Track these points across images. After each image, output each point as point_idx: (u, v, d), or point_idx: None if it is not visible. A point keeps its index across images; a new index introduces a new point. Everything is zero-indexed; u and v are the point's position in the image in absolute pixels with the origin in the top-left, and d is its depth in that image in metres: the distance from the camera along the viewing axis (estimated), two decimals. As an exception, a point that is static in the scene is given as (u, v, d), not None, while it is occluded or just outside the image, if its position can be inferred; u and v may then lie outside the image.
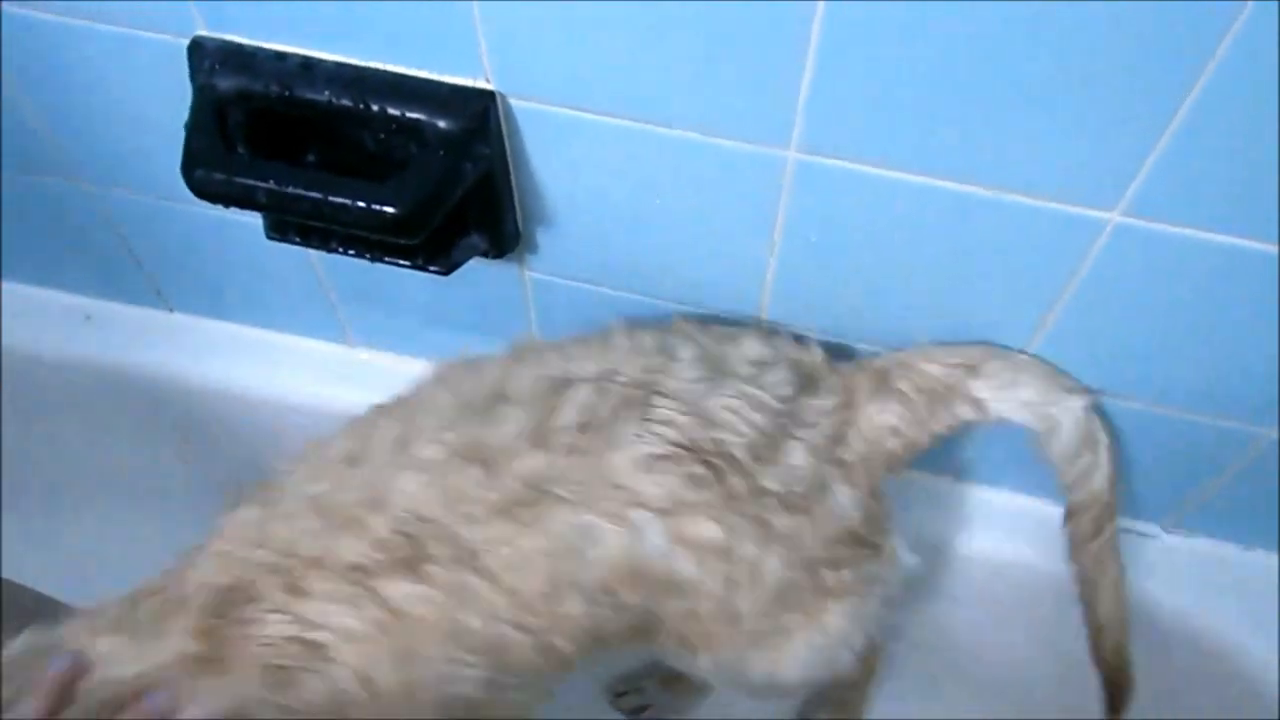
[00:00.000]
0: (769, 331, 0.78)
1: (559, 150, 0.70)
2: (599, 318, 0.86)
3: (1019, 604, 1.00)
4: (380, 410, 0.71)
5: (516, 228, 0.77)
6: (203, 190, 0.65)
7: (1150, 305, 0.68)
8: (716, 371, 0.71)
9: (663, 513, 0.65)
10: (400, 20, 0.63)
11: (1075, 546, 0.81)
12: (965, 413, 0.76)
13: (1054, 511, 0.80)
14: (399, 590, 0.61)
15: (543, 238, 0.79)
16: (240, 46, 0.66)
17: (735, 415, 0.68)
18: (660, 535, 0.65)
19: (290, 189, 0.64)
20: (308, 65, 0.66)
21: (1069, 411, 0.75)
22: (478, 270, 0.85)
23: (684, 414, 0.67)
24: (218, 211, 0.84)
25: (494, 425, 0.66)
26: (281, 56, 0.67)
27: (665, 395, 0.68)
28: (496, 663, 0.64)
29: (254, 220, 0.76)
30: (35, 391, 1.06)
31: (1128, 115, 0.56)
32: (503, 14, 0.61)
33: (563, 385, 0.68)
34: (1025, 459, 0.79)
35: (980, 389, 0.76)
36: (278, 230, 0.74)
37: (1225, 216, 0.61)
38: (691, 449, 0.66)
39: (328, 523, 0.63)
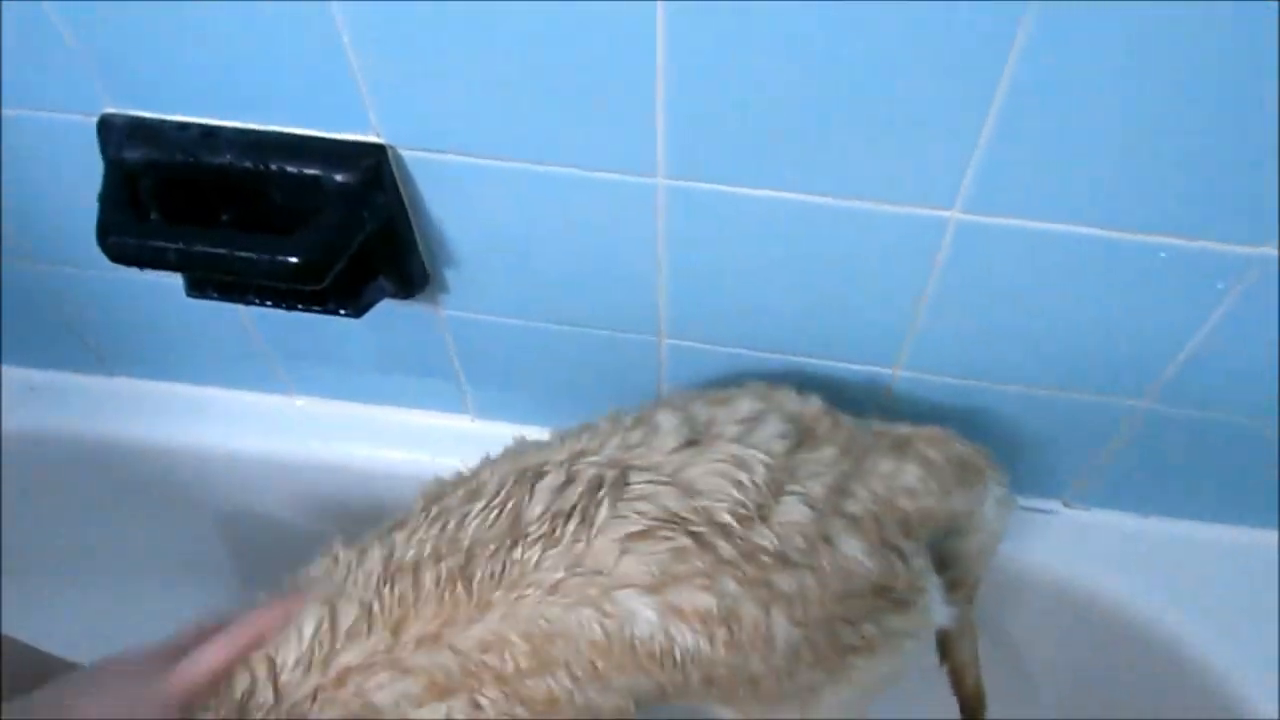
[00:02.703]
0: (769, 386, 0.78)
1: (452, 194, 0.76)
2: (515, 348, 0.92)
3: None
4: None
5: (424, 269, 0.82)
6: (117, 255, 0.70)
7: (1004, 294, 0.74)
8: (702, 437, 0.70)
9: (649, 590, 0.64)
10: (292, 86, 0.69)
11: None
12: (972, 501, 0.78)
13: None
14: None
15: (451, 277, 0.84)
16: (145, 120, 0.72)
17: (721, 479, 0.66)
18: (651, 611, 0.64)
19: (198, 248, 0.69)
20: (209, 133, 0.72)
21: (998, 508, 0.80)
22: (397, 314, 0.90)
23: (663, 485, 0.66)
24: (145, 276, 0.89)
25: (466, 525, 0.66)
26: (184, 127, 0.72)
27: (643, 469, 0.67)
28: None
29: (177, 281, 0.81)
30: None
31: (945, 117, 0.62)
32: (383, 73, 0.66)
33: (535, 476, 0.68)
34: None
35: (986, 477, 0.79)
36: (196, 288, 0.79)
37: (1051, 206, 0.66)
38: (673, 521, 0.65)
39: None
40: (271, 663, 0.64)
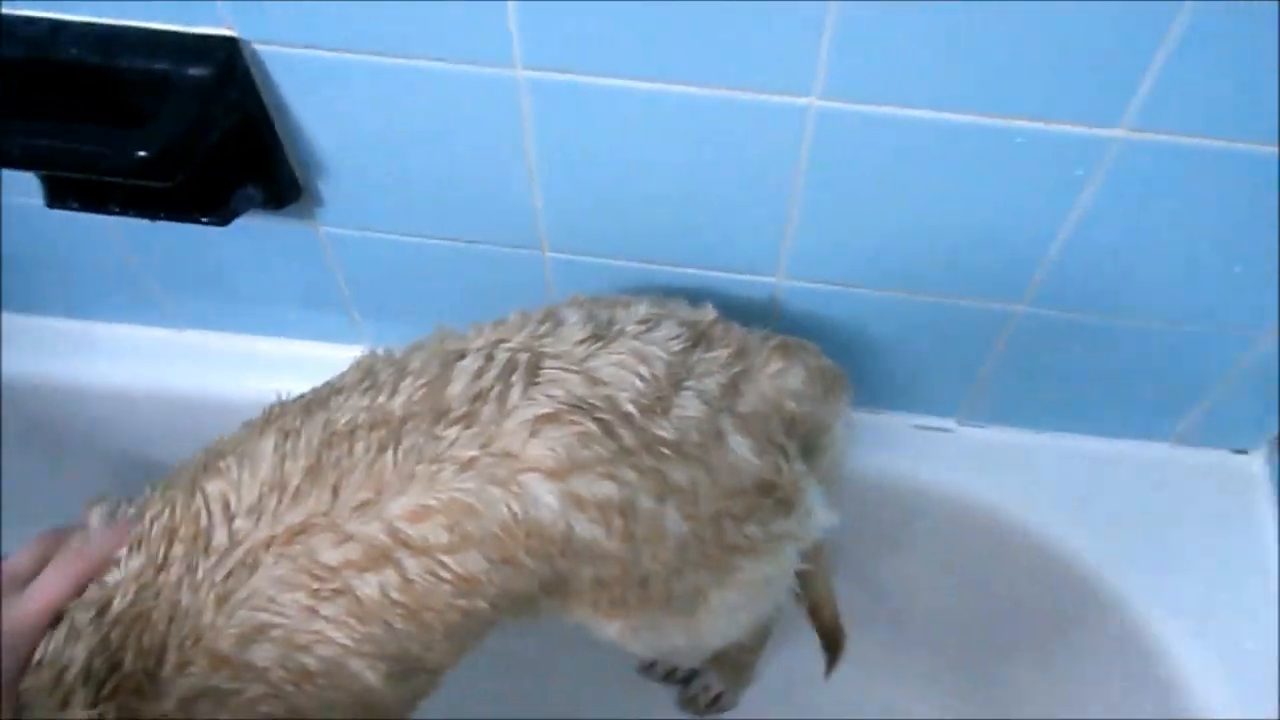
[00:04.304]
0: (663, 297, 0.80)
1: (314, 93, 0.74)
2: (399, 267, 0.91)
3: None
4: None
5: (294, 178, 0.80)
6: (-43, 151, 0.68)
7: (872, 188, 0.74)
8: (605, 332, 0.72)
9: (553, 474, 0.65)
10: (138, -24, 0.67)
11: None
12: (832, 415, 0.81)
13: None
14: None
15: (325, 189, 0.83)
16: (-12, 14, 0.70)
17: (624, 370, 0.68)
18: (553, 497, 0.65)
19: (43, 141, 0.68)
20: (57, 27, 0.70)
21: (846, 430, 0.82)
22: (277, 235, 0.89)
23: (572, 372, 0.68)
24: (10, 197, 0.87)
25: (396, 396, 0.67)
26: (31, 21, 0.70)
27: (553, 356, 0.69)
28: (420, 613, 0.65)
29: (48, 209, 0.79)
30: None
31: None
32: (226, -42, 0.65)
33: (455, 355, 0.69)
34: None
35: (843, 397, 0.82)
36: (56, 197, 0.77)
37: (906, 90, 0.66)
38: (580, 406, 0.66)
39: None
40: (225, 507, 0.63)
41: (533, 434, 0.65)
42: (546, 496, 0.65)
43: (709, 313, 0.77)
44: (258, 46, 0.71)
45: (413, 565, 0.64)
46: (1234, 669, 0.86)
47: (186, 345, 1.04)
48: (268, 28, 0.69)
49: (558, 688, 1.18)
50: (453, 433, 0.65)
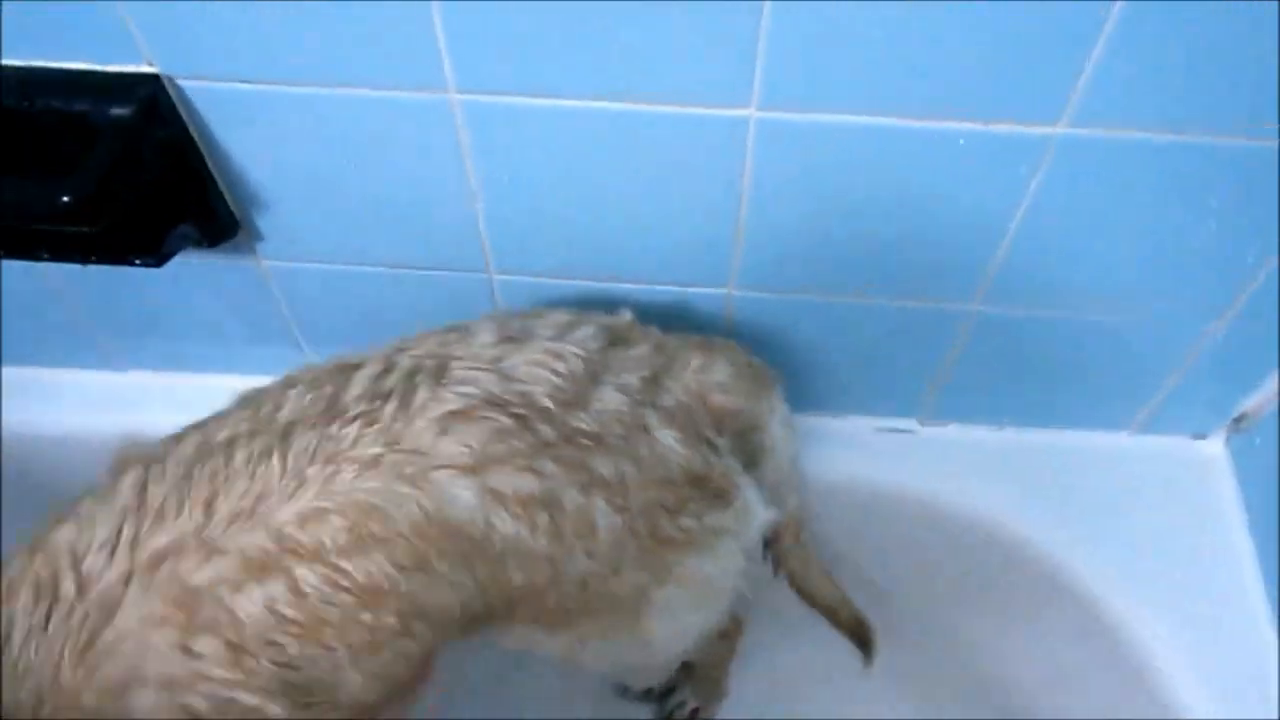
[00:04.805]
0: (579, 307, 0.79)
1: (245, 126, 0.72)
2: (345, 297, 0.89)
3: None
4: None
5: (230, 213, 0.78)
6: None
7: (819, 195, 0.73)
8: (519, 337, 0.70)
9: (468, 470, 0.62)
10: (55, 18, 0.65)
11: (782, 559, 0.91)
12: (764, 410, 0.81)
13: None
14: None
15: (263, 222, 0.81)
16: (-105, 60, 0.67)
17: (539, 368, 0.66)
18: (470, 493, 0.62)
19: (-39, 191, 0.65)
20: (-31, 72, 0.67)
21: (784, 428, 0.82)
22: (217, 271, 0.87)
23: (483, 372, 0.66)
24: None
25: (282, 407, 0.64)
26: (-58, 67, 0.67)
27: (462, 358, 0.67)
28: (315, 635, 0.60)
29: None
30: None
31: (723, 11, 0.61)
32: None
33: (351, 367, 0.66)
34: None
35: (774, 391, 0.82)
36: (-19, 245, 0.75)
37: (845, 97, 0.65)
38: (493, 402, 0.64)
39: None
40: (72, 551, 0.57)
41: (443, 430, 0.62)
42: (463, 493, 0.61)
43: (626, 316, 0.77)
44: (182, 82, 0.69)
45: (305, 574, 0.58)
46: (1205, 649, 0.86)
47: (129, 387, 1.01)
48: (190, 62, 0.67)
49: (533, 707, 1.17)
50: (351, 431, 0.61)
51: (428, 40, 0.64)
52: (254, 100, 0.69)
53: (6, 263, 0.78)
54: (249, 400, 0.66)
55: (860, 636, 0.96)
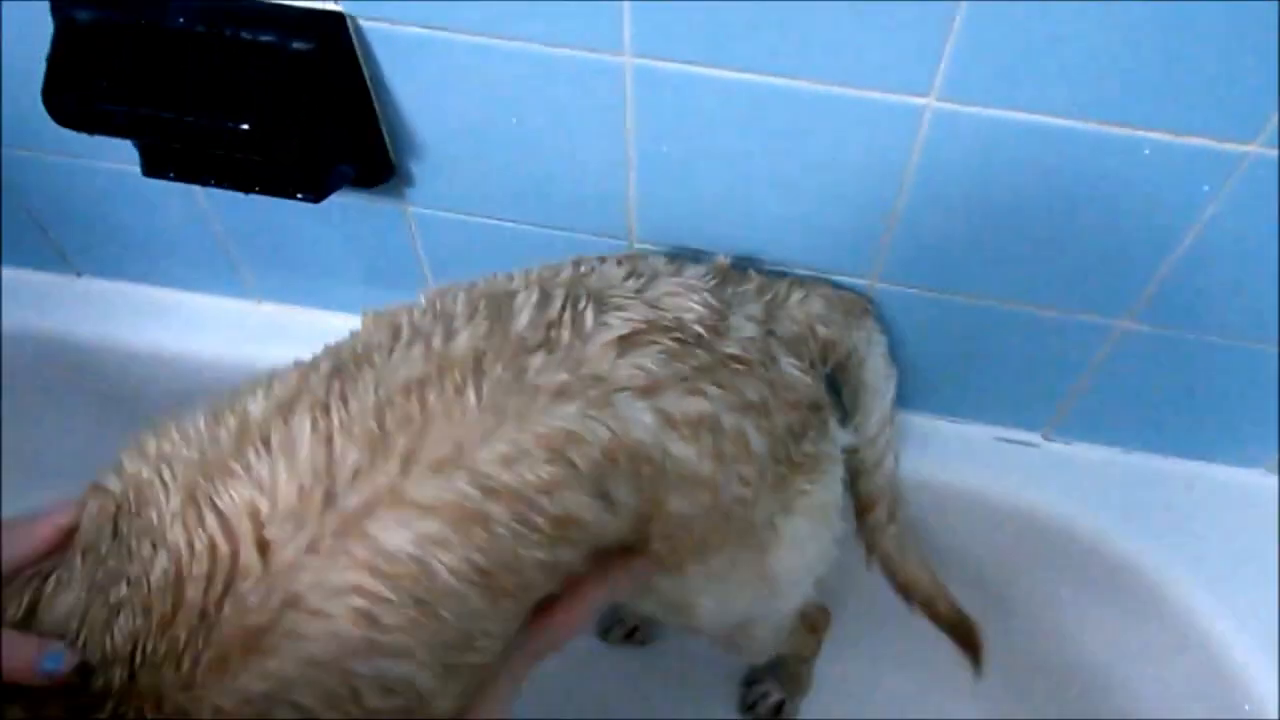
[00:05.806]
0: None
1: (415, 72, 0.73)
2: (484, 251, 0.90)
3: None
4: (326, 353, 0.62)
5: (388, 157, 0.79)
6: (61, 116, 0.67)
7: (982, 194, 0.71)
8: (643, 271, 0.71)
9: (645, 392, 0.62)
10: (248, -52, 0.67)
11: (875, 540, 0.90)
12: (861, 340, 0.83)
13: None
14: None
15: (417, 169, 0.82)
16: (97, -21, 0.69)
17: (679, 298, 0.68)
18: (650, 415, 0.61)
19: (145, 110, 0.67)
20: (163, -5, 0.69)
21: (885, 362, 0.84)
22: (365, 213, 0.88)
23: (634, 300, 0.66)
24: (103, 163, 0.87)
25: (454, 339, 0.59)
26: (138, -12, 0.69)
27: (614, 288, 0.67)
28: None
29: (136, 171, 0.79)
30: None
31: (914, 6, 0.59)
32: (338, -69, 0.64)
33: (505, 297, 0.64)
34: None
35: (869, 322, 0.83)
36: (153, 166, 0.77)
37: (1029, 94, 0.64)
38: (658, 327, 0.65)
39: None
40: (255, 515, 0.50)
41: (619, 355, 0.62)
42: (643, 416, 0.61)
43: (725, 260, 0.79)
44: (364, 22, 0.69)
45: (500, 514, 0.54)
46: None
47: (262, 317, 1.04)
48: (375, 3, 0.68)
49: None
50: (537, 360, 0.59)
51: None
52: (428, 45, 0.70)
53: (162, 184, 0.80)
54: (401, 334, 0.60)
55: (963, 634, 0.92)
